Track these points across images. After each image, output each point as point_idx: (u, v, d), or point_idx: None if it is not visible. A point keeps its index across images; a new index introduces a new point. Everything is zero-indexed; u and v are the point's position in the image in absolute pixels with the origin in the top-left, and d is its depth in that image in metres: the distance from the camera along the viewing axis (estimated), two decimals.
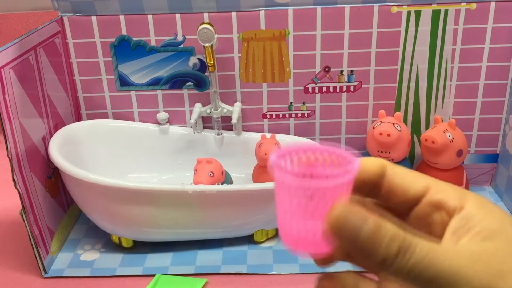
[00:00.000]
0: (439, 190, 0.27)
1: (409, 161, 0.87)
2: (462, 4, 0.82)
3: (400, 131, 0.81)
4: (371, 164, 0.28)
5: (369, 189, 0.28)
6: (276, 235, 0.82)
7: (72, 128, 0.84)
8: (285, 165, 0.26)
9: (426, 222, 0.27)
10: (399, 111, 0.89)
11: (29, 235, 0.71)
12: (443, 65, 0.86)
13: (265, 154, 0.80)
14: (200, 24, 0.80)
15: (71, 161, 0.75)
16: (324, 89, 0.88)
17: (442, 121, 0.84)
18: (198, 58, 0.87)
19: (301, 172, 0.26)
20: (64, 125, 0.84)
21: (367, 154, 0.86)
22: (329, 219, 0.24)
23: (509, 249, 0.24)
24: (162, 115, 0.90)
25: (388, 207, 0.29)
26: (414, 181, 0.27)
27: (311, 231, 0.25)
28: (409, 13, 0.83)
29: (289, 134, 0.91)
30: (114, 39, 0.86)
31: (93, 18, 0.84)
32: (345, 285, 0.25)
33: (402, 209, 0.28)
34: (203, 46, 0.81)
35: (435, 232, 0.27)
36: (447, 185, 0.27)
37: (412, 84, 0.88)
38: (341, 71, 0.87)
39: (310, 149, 0.26)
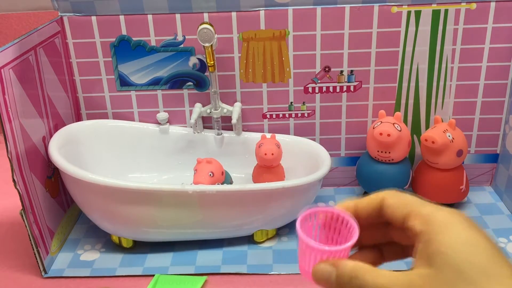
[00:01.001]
0: (412, 217, 0.31)
1: (409, 161, 0.87)
2: (462, 4, 0.82)
3: (400, 131, 0.81)
4: (369, 203, 0.35)
5: (376, 219, 0.35)
6: (276, 235, 0.82)
7: (72, 128, 0.84)
8: (309, 227, 0.36)
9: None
10: (399, 111, 0.89)
11: (29, 235, 0.71)
12: (443, 65, 0.86)
13: (265, 154, 0.80)
14: (200, 24, 0.80)
15: (71, 161, 0.75)
16: (324, 89, 0.88)
17: (442, 121, 0.84)
18: (198, 58, 0.87)
19: (318, 238, 0.36)
20: (64, 125, 0.84)
21: (367, 156, 0.86)
22: (312, 275, 0.34)
23: (441, 278, 0.27)
24: (162, 115, 0.90)
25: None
26: (397, 212, 0.33)
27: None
28: (409, 13, 0.83)
29: (289, 134, 0.91)
30: (114, 39, 0.86)
31: (93, 18, 0.84)
32: None
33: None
34: (203, 46, 0.81)
35: None
36: (423, 209, 0.31)
37: (412, 84, 0.88)
38: (341, 71, 0.87)
39: (325, 212, 0.36)
